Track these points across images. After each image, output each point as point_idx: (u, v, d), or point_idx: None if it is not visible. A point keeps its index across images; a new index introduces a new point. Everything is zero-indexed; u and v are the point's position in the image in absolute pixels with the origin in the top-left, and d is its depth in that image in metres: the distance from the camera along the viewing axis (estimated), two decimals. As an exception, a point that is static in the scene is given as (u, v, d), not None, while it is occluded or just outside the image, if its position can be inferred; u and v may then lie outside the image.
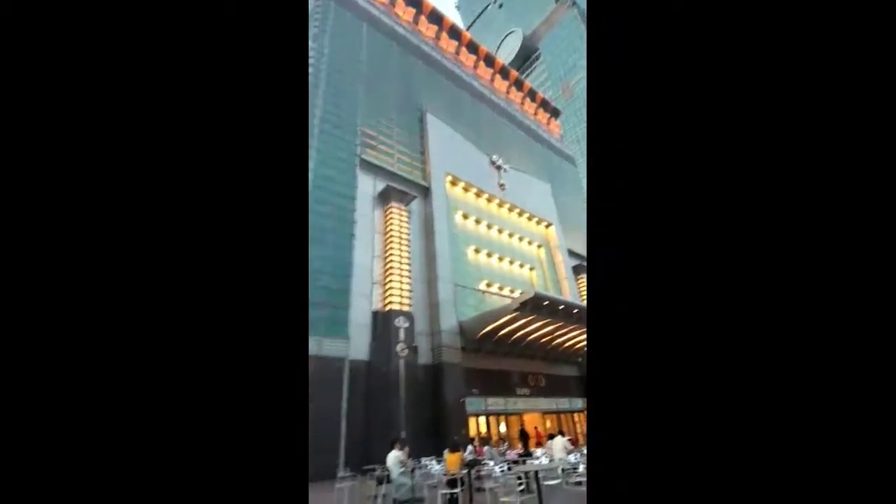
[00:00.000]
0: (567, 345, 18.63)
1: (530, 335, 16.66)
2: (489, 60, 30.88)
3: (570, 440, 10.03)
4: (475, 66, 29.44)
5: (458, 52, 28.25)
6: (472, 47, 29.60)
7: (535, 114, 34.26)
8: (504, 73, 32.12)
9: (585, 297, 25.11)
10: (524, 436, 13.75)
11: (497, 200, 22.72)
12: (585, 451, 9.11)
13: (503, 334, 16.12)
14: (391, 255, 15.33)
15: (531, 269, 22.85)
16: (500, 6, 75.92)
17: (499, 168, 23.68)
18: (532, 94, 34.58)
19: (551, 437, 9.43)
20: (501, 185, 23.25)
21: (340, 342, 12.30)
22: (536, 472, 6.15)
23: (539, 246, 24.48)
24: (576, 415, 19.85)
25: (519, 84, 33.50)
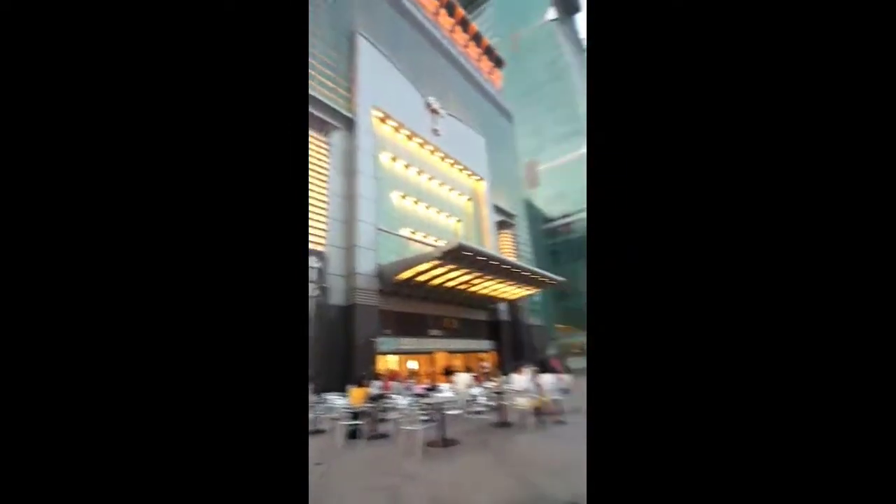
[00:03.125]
0: (483, 292, 19.70)
1: (448, 282, 17.18)
2: (435, -10, 28.28)
3: (474, 377, 10.83)
4: (420, -7, 26.78)
5: (401, -28, 25.26)
6: (419, -30, 26.67)
7: (479, 60, 32.94)
8: (450, 8, 29.83)
9: (507, 252, 26.47)
10: (448, 372, 14.51)
11: (429, 146, 21.98)
12: (487, 385, 9.93)
13: (422, 280, 16.37)
14: (308, 189, 14.13)
15: (458, 220, 23.12)
16: (455, -70, 68.95)
17: (434, 112, 22.66)
18: (477, 39, 32.94)
19: (449, 372, 10.07)
20: (435, 131, 22.42)
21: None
22: (441, 404, 6.50)
23: (468, 198, 24.69)
24: (483, 354, 21.61)
25: (465, 25, 31.54)
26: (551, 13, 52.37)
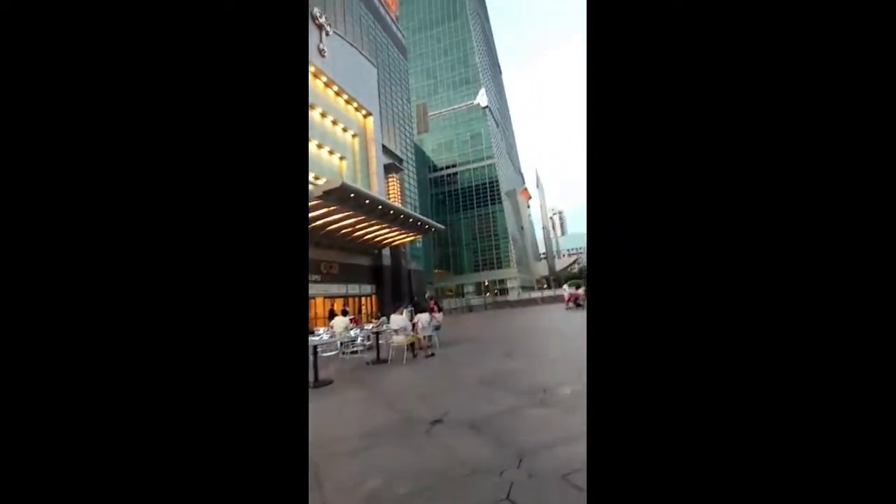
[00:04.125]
0: (367, 237, 19.47)
1: (329, 225, 16.40)
2: None
3: (351, 319, 10.99)
4: None
5: None
6: None
7: (374, -23, 29.32)
8: None
9: (394, 197, 26.20)
10: (332, 315, 14.17)
11: (313, 68, 19.37)
12: (366, 327, 10.21)
13: (301, 220, 15.23)
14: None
15: (341, 158, 21.63)
16: None
17: (320, 27, 19.77)
18: (373, -51, 28.98)
19: (333, 315, 10.07)
20: (321, 51, 19.74)
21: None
22: (315, 347, 6.47)
23: (354, 135, 23.09)
24: (363, 298, 21.92)
25: (360, -74, 27.22)
26: (455, -57, 48.99)
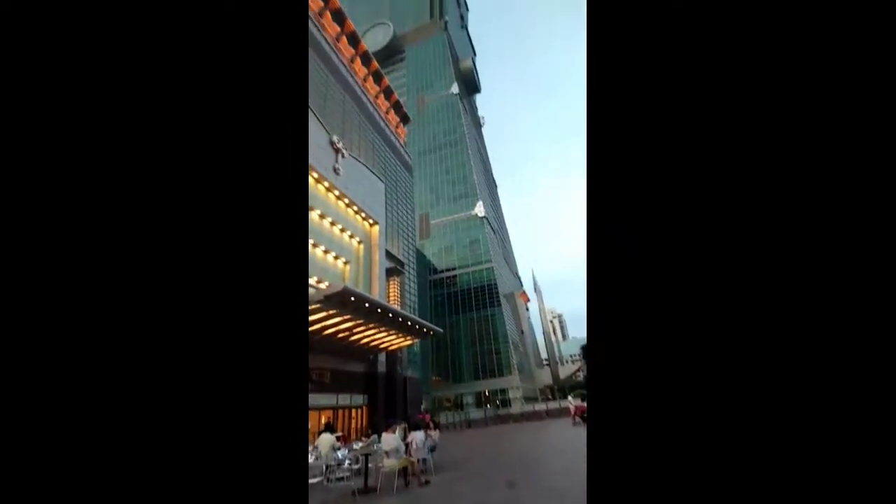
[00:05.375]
0: (363, 342, 19.00)
1: (327, 330, 16.20)
2: (353, 39, 29.44)
3: (339, 437, 10.08)
4: (337, 39, 27.50)
5: (321, 15, 25.79)
6: (339, 17, 27.61)
7: (387, 113, 34.54)
8: (366, 59, 31.20)
9: (394, 299, 26.41)
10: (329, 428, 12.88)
11: (327, 183, 21.49)
12: (355, 447, 9.31)
13: (299, 324, 15.09)
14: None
15: (346, 262, 22.46)
16: (379, -7, 74.24)
17: (338, 151, 22.54)
18: (388, 93, 34.78)
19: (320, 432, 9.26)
20: (336, 170, 22.16)
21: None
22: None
23: (359, 241, 24.39)
24: (353, 410, 20.30)
25: (378, 77, 33.16)
26: (455, 88, 58.94)
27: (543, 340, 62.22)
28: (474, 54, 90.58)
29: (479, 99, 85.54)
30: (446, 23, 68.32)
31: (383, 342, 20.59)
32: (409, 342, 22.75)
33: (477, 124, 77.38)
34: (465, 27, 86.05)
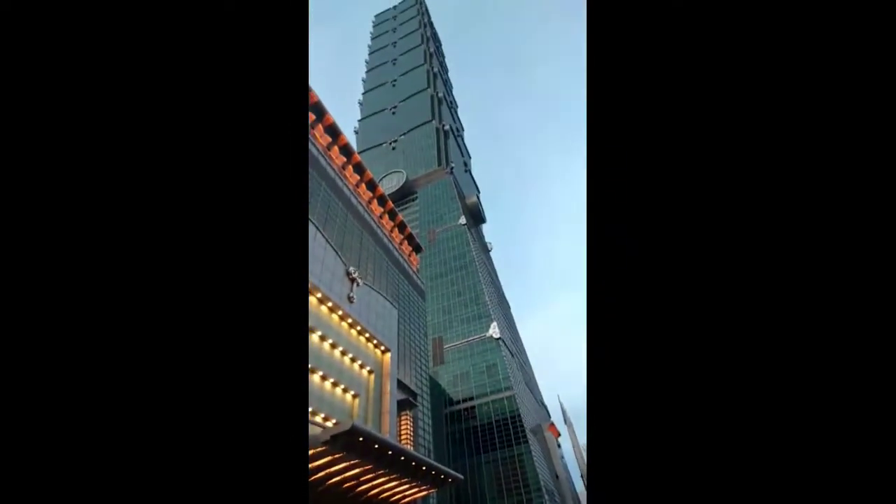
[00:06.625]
0: (371, 493, 16.24)
1: (332, 478, 14.06)
2: (371, 185, 33.69)
3: None
4: (357, 186, 31.51)
5: (344, 168, 30.14)
6: (359, 168, 32.18)
7: (401, 244, 37.09)
8: (382, 200, 35.11)
9: (406, 437, 23.65)
10: None
11: (340, 312, 21.65)
12: None
13: (299, 474, 13.20)
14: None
15: (354, 395, 20.97)
16: (394, 148, 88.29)
17: (353, 280, 23.39)
18: (402, 227, 38.00)
19: None
20: (350, 298, 22.61)
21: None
22: None
23: (370, 371, 23.23)
24: None
25: (392, 214, 36.74)
26: (462, 219, 64.53)
27: (583, 488, 52.97)
28: (478, 191, 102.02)
29: (486, 228, 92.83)
30: (452, 168, 79.04)
31: (395, 493, 17.57)
32: (424, 492, 19.39)
33: (485, 249, 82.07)
34: (468, 171, 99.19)
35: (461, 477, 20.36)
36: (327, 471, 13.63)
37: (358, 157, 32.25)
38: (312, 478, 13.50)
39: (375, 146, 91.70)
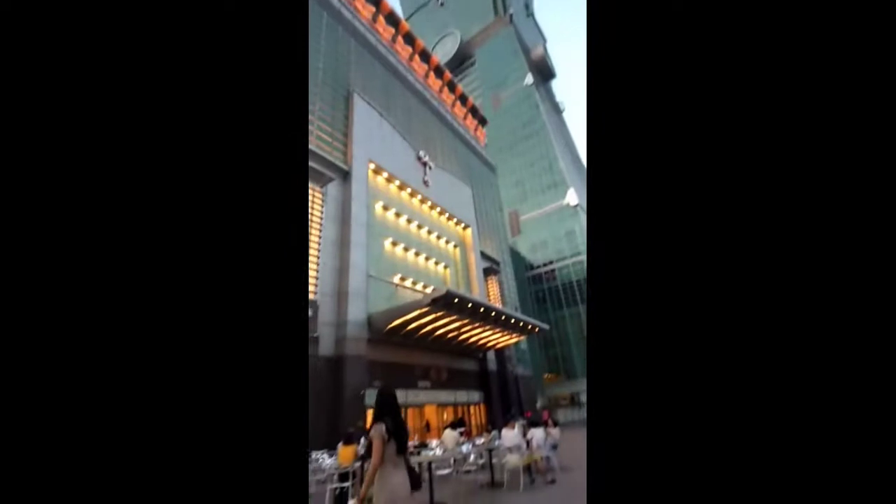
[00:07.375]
0: (471, 341, 19.58)
1: (437, 330, 17.12)
2: (425, 56, 30.82)
3: (462, 432, 10.55)
4: (410, 59, 29.12)
5: (394, 41, 27.64)
6: (409, 39, 29.22)
7: (465, 118, 35.23)
8: (438, 71, 32.36)
9: (494, 298, 26.71)
10: (461, 423, 13.66)
11: (419, 196, 22.84)
12: (477, 441, 9.67)
13: (411, 328, 16.29)
14: (301, 238, 14.33)
15: (445, 267, 23.47)
16: (442, 4, 76.33)
17: (425, 164, 23.82)
18: (463, 99, 35.46)
19: (447, 427, 9.84)
20: (426, 182, 23.43)
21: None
22: (430, 463, 6.35)
23: (455, 246, 25.26)
24: (471, 406, 20.98)
25: (452, 86, 34.07)
26: (529, 78, 57.07)
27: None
28: (545, 40, 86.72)
29: (556, 84, 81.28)
30: (511, 16, 66.91)
31: (490, 340, 20.90)
32: (514, 339, 22.66)
33: (557, 111, 73.71)
34: (531, 15, 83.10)
35: (546, 326, 23.02)
36: (433, 325, 16.53)
37: (406, 26, 28.99)
38: (418, 331, 16.57)
39: (422, 7, 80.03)
